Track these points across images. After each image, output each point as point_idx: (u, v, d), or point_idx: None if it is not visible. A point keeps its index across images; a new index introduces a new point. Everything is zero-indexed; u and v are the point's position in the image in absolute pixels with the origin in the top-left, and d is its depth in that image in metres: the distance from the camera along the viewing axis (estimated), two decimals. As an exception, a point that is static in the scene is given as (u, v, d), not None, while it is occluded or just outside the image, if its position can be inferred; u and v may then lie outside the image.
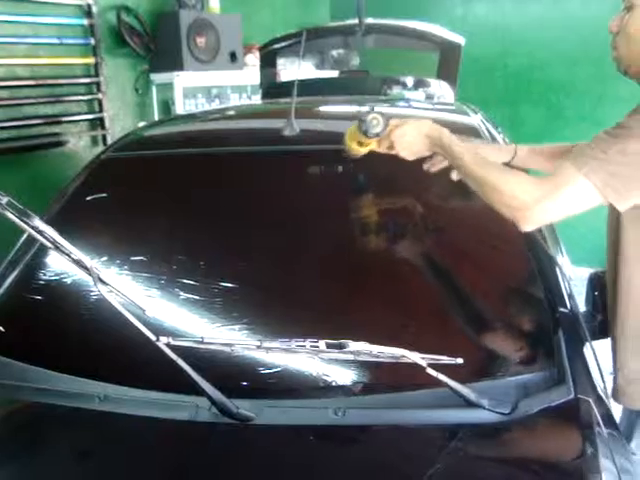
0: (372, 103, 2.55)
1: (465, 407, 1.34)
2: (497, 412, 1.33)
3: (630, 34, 1.51)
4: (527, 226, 1.47)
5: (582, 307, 1.73)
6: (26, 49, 3.93)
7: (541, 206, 1.42)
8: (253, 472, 1.27)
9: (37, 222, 1.22)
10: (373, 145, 1.75)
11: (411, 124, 1.68)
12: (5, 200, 1.19)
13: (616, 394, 1.69)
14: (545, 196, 1.41)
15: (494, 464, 1.29)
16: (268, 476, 1.26)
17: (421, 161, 1.79)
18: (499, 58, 5.32)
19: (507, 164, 1.80)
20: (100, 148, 4.25)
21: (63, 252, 1.28)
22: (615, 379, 1.71)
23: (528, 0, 5.27)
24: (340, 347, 1.23)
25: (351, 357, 1.27)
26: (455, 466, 1.24)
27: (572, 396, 1.38)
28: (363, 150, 1.76)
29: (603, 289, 1.72)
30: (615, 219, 1.59)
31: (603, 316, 1.72)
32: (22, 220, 1.21)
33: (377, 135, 1.65)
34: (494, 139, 2.15)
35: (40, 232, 1.24)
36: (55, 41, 4.08)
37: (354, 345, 1.23)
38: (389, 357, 1.27)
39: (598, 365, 1.52)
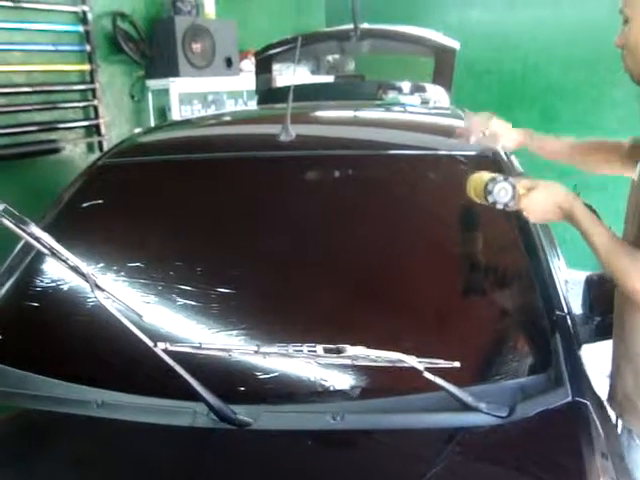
0: (369, 107, 2.56)
1: (463, 411, 1.34)
2: (495, 415, 1.33)
3: (632, 46, 1.53)
4: None
5: (578, 310, 1.74)
6: (22, 56, 3.93)
7: None
8: (252, 477, 1.27)
9: (34, 229, 1.22)
10: None
11: (542, 190, 1.55)
12: (1, 207, 1.19)
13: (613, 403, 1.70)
14: None
15: (492, 467, 1.29)
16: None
17: (422, 169, 1.79)
18: (493, 63, 5.34)
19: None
20: (96, 155, 4.25)
21: (60, 259, 1.28)
22: (613, 386, 1.71)
23: (522, 5, 5.29)
24: (337, 352, 1.23)
25: (348, 362, 1.27)
26: (453, 469, 1.24)
27: (569, 399, 1.38)
28: (483, 204, 1.62)
29: (599, 291, 1.72)
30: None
31: (600, 318, 1.72)
32: (19, 227, 1.21)
33: (506, 206, 1.54)
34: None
35: (37, 239, 1.24)
36: (50, 48, 4.08)
37: (351, 350, 1.24)
38: (386, 361, 1.27)
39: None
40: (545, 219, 1.62)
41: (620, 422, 1.68)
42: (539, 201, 1.54)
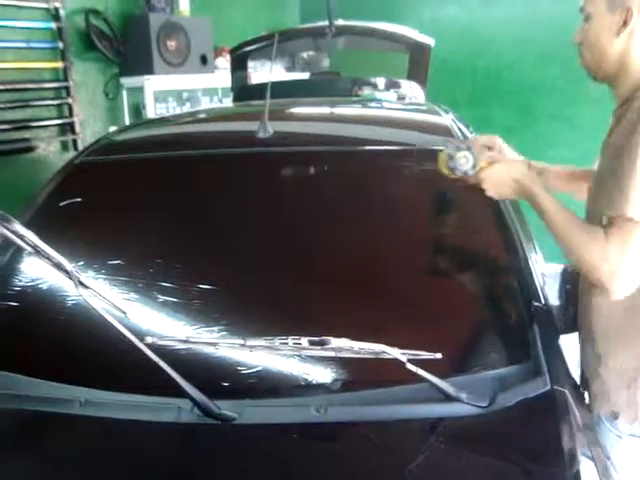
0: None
1: (444, 401, 1.36)
2: (475, 405, 1.36)
3: (591, 42, 1.57)
4: (617, 294, 1.45)
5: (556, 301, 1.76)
6: (-7, 53, 3.88)
7: (621, 274, 1.42)
8: (237, 471, 1.28)
9: (17, 226, 1.22)
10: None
11: (503, 165, 1.65)
12: (-17, 205, 1.18)
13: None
14: (620, 262, 1.41)
15: (474, 455, 1.32)
16: (252, 474, 1.27)
17: (399, 163, 1.79)
18: (468, 59, 5.37)
19: None
20: (71, 153, 4.21)
21: (44, 256, 1.27)
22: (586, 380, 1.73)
23: (496, 2, 5.34)
24: (322, 344, 1.25)
25: (332, 354, 1.29)
26: (435, 459, 1.26)
27: (548, 387, 1.41)
28: (453, 176, 1.69)
29: (575, 282, 1.75)
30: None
31: (575, 309, 1.75)
32: (2, 225, 1.21)
33: (465, 173, 1.62)
34: (466, 138, 2.18)
35: (20, 236, 1.24)
36: (23, 45, 4.02)
37: (335, 342, 1.25)
38: (370, 353, 1.29)
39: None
40: (502, 193, 1.67)
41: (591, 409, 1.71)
42: (498, 174, 1.63)
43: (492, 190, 1.65)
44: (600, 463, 1.29)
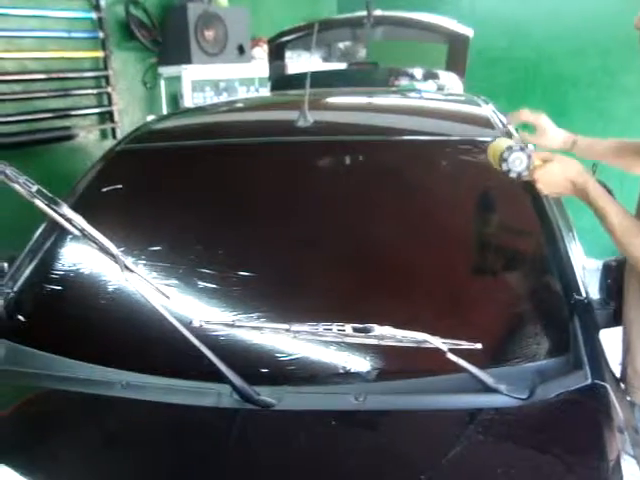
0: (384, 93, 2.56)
1: (483, 392, 1.36)
2: (515, 397, 1.35)
3: None
4: None
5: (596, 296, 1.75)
6: (35, 43, 3.94)
7: None
8: (275, 456, 1.29)
9: (65, 210, 1.24)
10: None
11: (556, 164, 1.57)
12: (35, 188, 1.21)
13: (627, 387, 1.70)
14: None
15: (512, 447, 1.31)
16: (290, 460, 1.28)
17: (440, 154, 1.78)
18: (506, 50, 5.30)
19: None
20: (110, 141, 4.27)
21: (91, 240, 1.30)
22: (624, 367, 1.72)
23: (535, -8, 5.26)
24: (365, 331, 1.25)
25: (375, 341, 1.29)
26: (473, 450, 1.26)
27: (589, 381, 1.39)
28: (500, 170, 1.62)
29: (616, 277, 1.73)
30: None
31: (616, 304, 1.73)
32: (51, 208, 1.23)
33: (519, 175, 1.55)
34: (506, 129, 2.16)
35: (69, 220, 1.26)
36: (64, 35, 4.08)
37: (379, 329, 1.26)
38: (412, 341, 1.29)
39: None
40: (557, 192, 1.63)
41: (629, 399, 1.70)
42: (553, 174, 1.56)
43: (546, 189, 1.60)
44: None
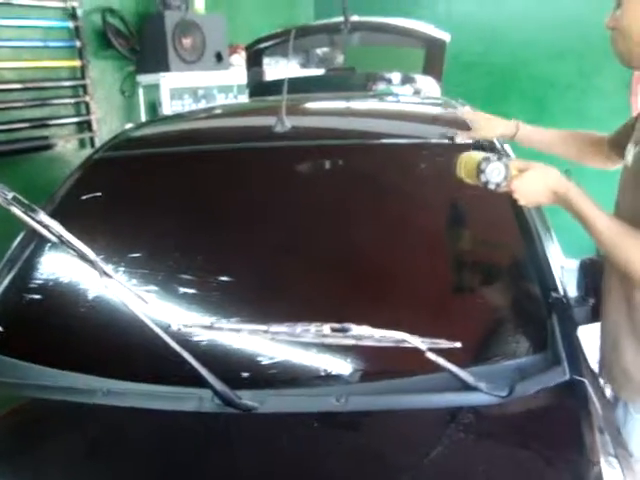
0: (361, 98, 2.58)
1: (463, 391, 1.37)
2: (495, 395, 1.36)
3: (624, 29, 1.55)
4: None
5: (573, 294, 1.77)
6: (11, 52, 3.90)
7: None
8: (257, 459, 1.29)
9: (43, 217, 1.24)
10: None
11: (533, 172, 1.52)
12: (10, 195, 1.20)
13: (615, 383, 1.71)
14: None
15: (493, 444, 1.32)
16: (273, 463, 1.28)
17: (417, 157, 1.80)
18: (484, 54, 5.36)
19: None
20: (88, 150, 4.24)
21: (68, 246, 1.29)
22: (606, 363, 1.73)
23: (510, -3, 5.33)
24: (343, 330, 1.26)
25: (353, 341, 1.29)
26: (455, 448, 1.27)
27: (567, 377, 1.41)
28: (473, 184, 1.59)
29: (593, 274, 1.74)
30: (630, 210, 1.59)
31: (594, 301, 1.74)
32: (28, 215, 1.23)
33: (497, 186, 1.51)
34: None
35: (46, 227, 1.25)
36: (40, 44, 4.06)
37: (357, 329, 1.26)
38: (390, 341, 1.30)
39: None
40: (537, 202, 1.59)
41: (611, 395, 1.71)
42: (531, 183, 1.52)
43: (524, 200, 1.56)
44: (624, 460, 1.29)
